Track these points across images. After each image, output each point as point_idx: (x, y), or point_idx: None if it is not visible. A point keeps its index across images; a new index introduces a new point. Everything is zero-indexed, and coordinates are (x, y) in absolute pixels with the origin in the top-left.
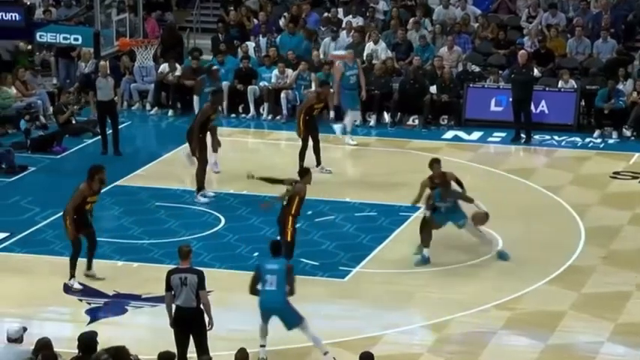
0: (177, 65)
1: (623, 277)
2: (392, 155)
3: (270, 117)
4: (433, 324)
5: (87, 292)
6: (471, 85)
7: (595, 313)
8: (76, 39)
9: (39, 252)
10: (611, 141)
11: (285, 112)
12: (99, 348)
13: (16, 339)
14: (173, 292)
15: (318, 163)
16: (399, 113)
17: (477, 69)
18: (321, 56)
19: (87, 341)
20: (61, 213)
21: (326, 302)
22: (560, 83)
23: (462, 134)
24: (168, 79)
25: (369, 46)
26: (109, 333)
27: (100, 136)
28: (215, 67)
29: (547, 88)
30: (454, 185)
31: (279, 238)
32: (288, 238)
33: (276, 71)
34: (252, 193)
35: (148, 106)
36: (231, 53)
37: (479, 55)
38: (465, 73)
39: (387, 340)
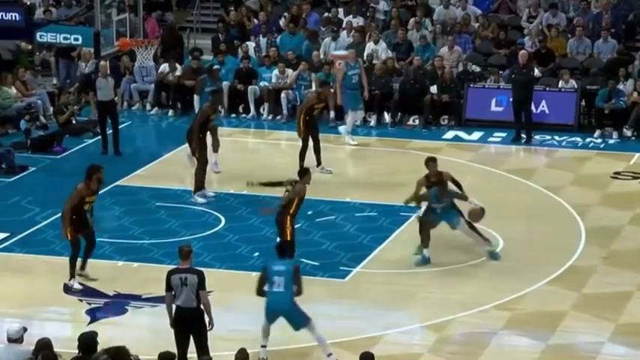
0: (178, 65)
1: (624, 277)
2: (392, 155)
3: (270, 117)
4: (433, 324)
5: (87, 292)
6: (471, 85)
7: (596, 314)
8: (76, 39)
9: (39, 252)
10: (611, 141)
11: (285, 112)
12: (99, 348)
13: (16, 339)
14: (173, 293)
15: (319, 163)
16: (399, 113)
17: (478, 69)
18: (322, 56)
19: (87, 341)
20: (61, 213)
21: (326, 302)
22: (561, 83)
23: (462, 134)
24: (169, 79)
25: (370, 46)
26: (109, 333)
27: (100, 136)
28: (216, 67)
29: (547, 88)
30: (450, 185)
31: (278, 238)
32: (288, 238)
33: (276, 71)
34: (253, 193)
35: (148, 106)
36: (231, 53)
37: (479, 55)
38: (465, 73)
39: (388, 341)
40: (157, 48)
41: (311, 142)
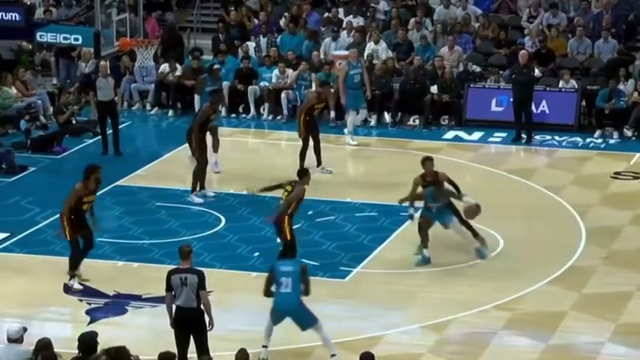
0: (178, 65)
1: (624, 277)
2: (392, 155)
3: (270, 117)
4: (434, 324)
5: (87, 292)
6: (471, 85)
7: (596, 314)
8: (76, 39)
9: (39, 252)
10: (612, 141)
11: (285, 112)
12: (99, 348)
13: (16, 339)
14: (173, 293)
15: (319, 163)
16: (399, 113)
17: (478, 69)
18: (322, 56)
19: (87, 341)
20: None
21: (327, 302)
22: (561, 83)
23: (462, 134)
24: (169, 79)
25: (370, 46)
26: (110, 333)
27: (100, 136)
28: (216, 66)
29: (548, 88)
30: (446, 185)
31: (278, 240)
32: (288, 237)
33: (276, 71)
34: (253, 193)
35: (148, 106)
36: (231, 53)
37: (479, 55)
38: (465, 73)
39: (388, 341)
40: (157, 48)
41: (311, 142)
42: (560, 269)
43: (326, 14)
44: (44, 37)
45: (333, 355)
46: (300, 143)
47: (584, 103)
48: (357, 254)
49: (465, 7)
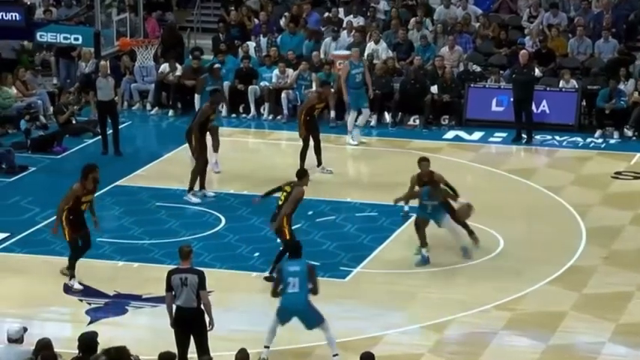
0: (178, 65)
1: (625, 277)
2: (393, 155)
3: (270, 117)
4: (434, 324)
5: (87, 292)
6: (472, 85)
7: (596, 314)
8: (76, 39)
9: (39, 252)
10: (612, 141)
11: (285, 112)
12: (99, 348)
13: (16, 339)
14: (174, 293)
15: (319, 163)
16: (399, 113)
17: (478, 69)
18: (322, 56)
19: (87, 341)
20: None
21: (327, 302)
22: (562, 83)
23: (463, 134)
24: (169, 79)
25: (370, 46)
26: (110, 333)
27: (100, 136)
28: (217, 66)
29: (548, 88)
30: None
31: (279, 240)
32: (287, 237)
33: (276, 71)
34: (253, 193)
35: (148, 106)
36: (231, 53)
37: (480, 55)
38: (466, 72)
39: (388, 341)
40: (158, 48)
41: (312, 142)
42: (561, 269)
43: (326, 14)
44: (44, 37)
45: (335, 355)
46: (301, 143)
47: (584, 103)
48: (357, 254)
49: (466, 7)
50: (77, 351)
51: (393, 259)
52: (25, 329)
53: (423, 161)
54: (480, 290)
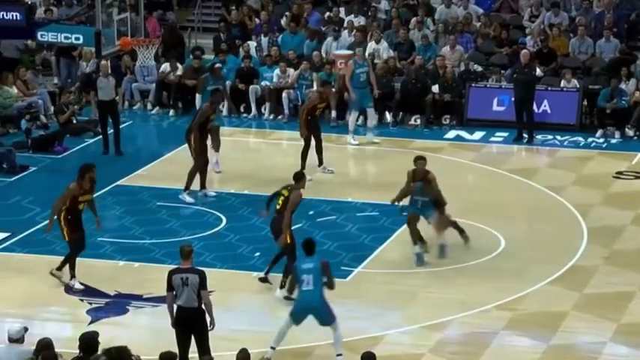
0: (179, 65)
1: (626, 277)
2: (394, 155)
3: (271, 117)
4: (435, 324)
5: (88, 292)
6: (473, 84)
7: (597, 314)
8: (77, 38)
9: (40, 252)
10: (613, 141)
11: (286, 111)
12: (100, 348)
13: (17, 339)
14: (174, 292)
15: (320, 162)
16: (401, 113)
17: (480, 68)
18: (323, 55)
19: (88, 341)
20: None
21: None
22: (563, 83)
23: (464, 134)
24: (170, 78)
25: (371, 46)
26: (110, 333)
27: (101, 136)
28: (217, 65)
29: (549, 88)
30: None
31: (278, 244)
32: (288, 241)
33: (277, 71)
34: (254, 193)
35: (149, 106)
36: (232, 53)
37: (481, 55)
38: (467, 72)
39: (389, 341)
40: (158, 47)
41: (313, 142)
42: (562, 269)
43: (327, 13)
44: (45, 36)
45: (339, 355)
46: (302, 143)
47: (585, 103)
48: (358, 254)
49: (467, 7)
50: (78, 351)
51: (393, 259)
52: (25, 329)
53: (419, 160)
54: (480, 290)
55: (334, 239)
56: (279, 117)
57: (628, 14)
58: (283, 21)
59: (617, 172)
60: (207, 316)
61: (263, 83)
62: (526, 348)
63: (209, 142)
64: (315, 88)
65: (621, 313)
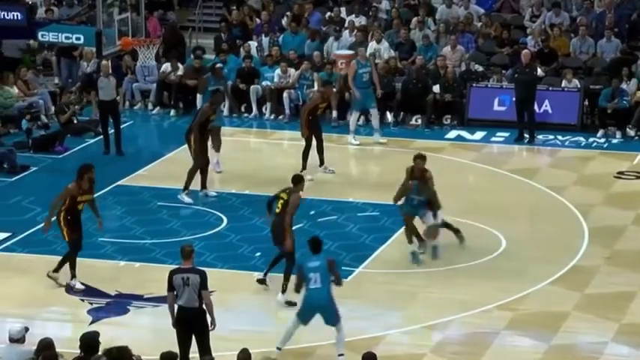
0: (180, 65)
1: (627, 277)
2: (395, 155)
3: (272, 117)
4: (436, 324)
5: (89, 292)
6: (474, 84)
7: (599, 314)
8: (78, 38)
9: (41, 252)
10: (614, 141)
11: (287, 111)
12: (101, 348)
13: (18, 339)
14: (175, 292)
15: (322, 162)
16: (401, 113)
17: (480, 68)
18: (325, 55)
19: (89, 341)
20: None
21: None
22: (564, 83)
23: (465, 134)
24: (171, 78)
25: (372, 46)
26: (111, 333)
27: (101, 136)
28: (219, 65)
29: (550, 88)
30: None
31: (278, 248)
32: (289, 246)
33: (278, 71)
34: (255, 193)
35: (150, 106)
36: (233, 53)
37: (482, 55)
38: (468, 72)
39: (390, 341)
40: (159, 47)
41: (314, 142)
42: (563, 269)
43: (328, 13)
44: (46, 36)
45: (340, 355)
46: (303, 143)
47: (586, 103)
48: (359, 254)
49: (468, 7)
50: (79, 351)
51: (394, 259)
52: (26, 329)
53: (418, 158)
54: (481, 290)
55: (335, 239)
56: (280, 117)
57: (629, 14)
58: (284, 21)
59: (619, 172)
60: (208, 316)
61: (264, 83)
62: (527, 348)
63: (209, 142)
64: (315, 88)
65: (622, 313)
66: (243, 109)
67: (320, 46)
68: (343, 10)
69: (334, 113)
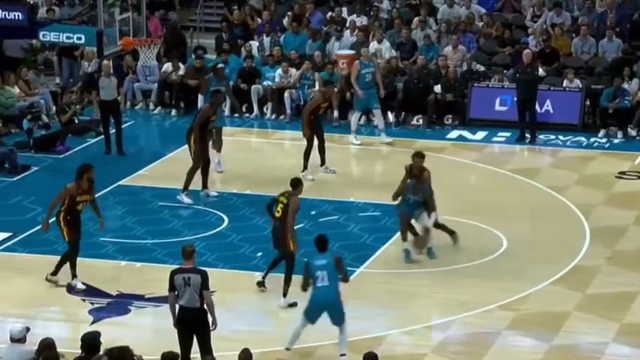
0: (181, 64)
1: (628, 277)
2: (396, 155)
3: (273, 116)
4: (437, 324)
5: (90, 292)
6: (475, 84)
7: (600, 314)
8: (79, 38)
9: (42, 252)
10: (616, 141)
11: (288, 111)
12: (102, 348)
13: (19, 339)
14: (176, 292)
15: (323, 162)
16: (403, 113)
17: (482, 68)
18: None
19: (90, 341)
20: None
21: None
22: (565, 83)
23: (466, 134)
24: (172, 78)
25: (373, 46)
26: (112, 333)
27: (102, 136)
28: (220, 66)
29: (552, 88)
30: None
31: (278, 251)
32: (292, 250)
33: (279, 70)
34: (256, 193)
35: (151, 106)
36: (234, 52)
37: (483, 55)
38: (469, 72)
39: (391, 341)
40: (160, 47)
41: (316, 142)
42: (564, 269)
43: (329, 13)
44: (47, 36)
45: (342, 355)
46: (304, 143)
47: (588, 103)
48: (360, 254)
49: (469, 6)
50: (80, 351)
51: (396, 259)
52: (27, 329)
53: (417, 156)
54: (483, 290)
55: (336, 239)
56: (281, 117)
57: (631, 14)
58: (285, 21)
59: (620, 172)
60: (209, 316)
61: (265, 83)
62: (529, 348)
63: (210, 142)
64: (317, 88)
65: (624, 313)
66: (244, 109)
67: (321, 46)
68: (344, 9)
69: (335, 113)
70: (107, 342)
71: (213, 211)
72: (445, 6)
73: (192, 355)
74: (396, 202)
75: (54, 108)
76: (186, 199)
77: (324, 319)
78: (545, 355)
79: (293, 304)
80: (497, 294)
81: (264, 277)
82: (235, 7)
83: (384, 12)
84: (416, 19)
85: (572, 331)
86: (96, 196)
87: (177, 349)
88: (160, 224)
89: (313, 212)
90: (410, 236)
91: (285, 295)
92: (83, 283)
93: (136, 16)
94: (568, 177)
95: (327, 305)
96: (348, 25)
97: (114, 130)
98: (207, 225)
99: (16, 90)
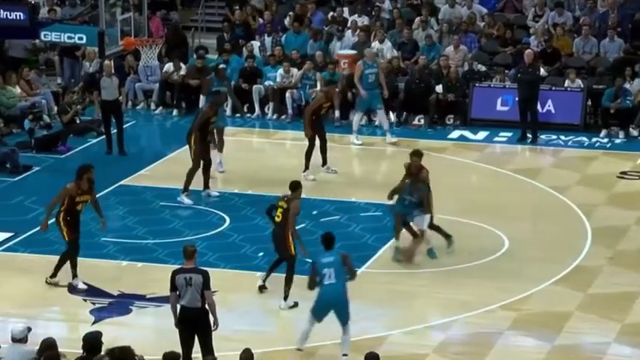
0: (182, 65)
1: (630, 277)
2: (397, 155)
3: (275, 116)
4: (439, 324)
5: (91, 292)
6: (477, 84)
7: (602, 314)
8: (80, 38)
9: (43, 252)
10: (617, 141)
11: (290, 111)
12: (104, 348)
13: (20, 339)
14: (178, 292)
15: (324, 162)
16: (404, 113)
17: (483, 68)
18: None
19: (91, 341)
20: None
21: None
22: (567, 83)
23: (467, 134)
24: (173, 78)
25: (375, 46)
26: (114, 333)
27: (104, 136)
28: (222, 66)
29: (553, 88)
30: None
31: (278, 255)
32: (292, 252)
33: (281, 70)
34: (257, 193)
35: (152, 106)
36: (236, 52)
37: (485, 55)
38: (471, 72)
39: (393, 341)
40: (162, 47)
41: (317, 142)
42: (566, 269)
43: (331, 13)
44: (48, 36)
45: (344, 355)
46: (306, 143)
47: (589, 103)
48: (361, 254)
49: (471, 6)
50: (81, 351)
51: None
52: (29, 329)
53: (414, 155)
54: (484, 290)
55: (338, 239)
56: (283, 117)
57: (632, 14)
58: (287, 21)
59: (621, 172)
60: (210, 316)
61: (266, 83)
62: (530, 348)
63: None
64: (318, 87)
65: (625, 313)
66: (245, 109)
67: (323, 46)
68: (346, 10)
69: (337, 113)
70: (108, 342)
71: (214, 211)
72: (447, 6)
73: (193, 355)
74: (391, 202)
75: (55, 108)
76: (187, 200)
77: (326, 319)
78: (547, 356)
79: (294, 306)
80: (498, 294)
81: (264, 280)
82: (237, 7)
83: (385, 12)
84: (417, 19)
85: (574, 332)
86: (97, 196)
87: (178, 349)
88: (161, 224)
89: (315, 212)
90: (410, 237)
91: (286, 298)
92: (84, 283)
93: (137, 16)
94: (569, 177)
95: (334, 303)
96: (349, 25)
97: (115, 130)
98: (209, 225)
99: (18, 90)
